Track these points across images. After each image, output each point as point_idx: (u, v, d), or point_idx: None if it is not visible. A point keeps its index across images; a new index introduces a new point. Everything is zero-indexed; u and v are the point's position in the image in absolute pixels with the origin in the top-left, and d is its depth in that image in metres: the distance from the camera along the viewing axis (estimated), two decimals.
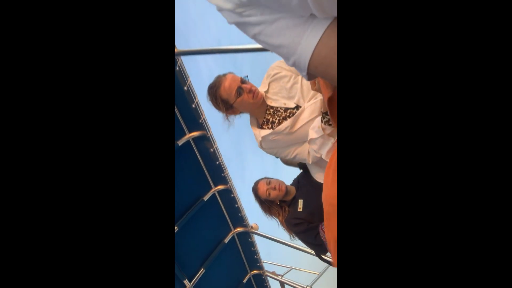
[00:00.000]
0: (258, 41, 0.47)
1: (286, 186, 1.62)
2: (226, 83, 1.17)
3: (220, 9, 0.46)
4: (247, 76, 1.20)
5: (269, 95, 1.25)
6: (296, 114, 1.18)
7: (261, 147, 1.28)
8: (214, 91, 1.21)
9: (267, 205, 1.62)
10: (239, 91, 1.16)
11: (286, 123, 1.18)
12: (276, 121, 1.24)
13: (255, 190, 1.64)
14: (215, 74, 1.24)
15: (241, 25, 0.46)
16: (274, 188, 1.57)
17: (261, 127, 1.27)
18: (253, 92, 1.16)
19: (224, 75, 1.21)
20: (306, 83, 1.19)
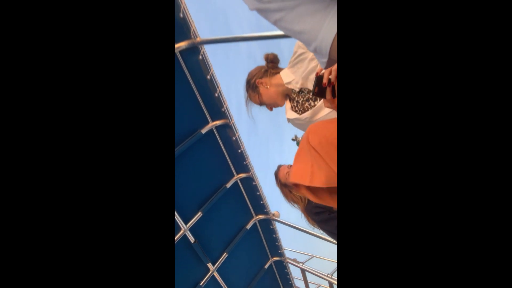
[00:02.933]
0: (279, 27, 0.47)
1: None
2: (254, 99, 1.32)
3: None
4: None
5: (294, 76, 1.26)
6: (316, 106, 1.19)
7: (288, 122, 1.36)
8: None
9: (288, 190, 1.63)
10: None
11: (306, 114, 1.20)
12: (300, 101, 1.26)
13: (276, 173, 1.66)
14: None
15: (262, 12, 0.46)
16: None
17: (290, 101, 1.32)
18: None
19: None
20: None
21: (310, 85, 1.22)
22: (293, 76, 1.24)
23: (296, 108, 1.28)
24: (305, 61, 1.18)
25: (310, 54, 1.17)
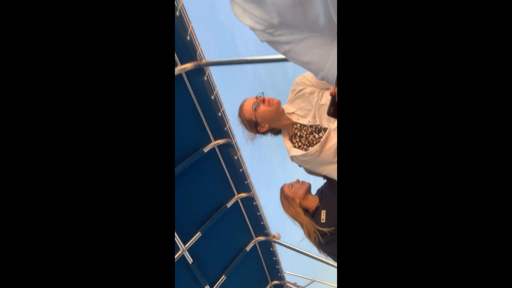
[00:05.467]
0: (289, 58, 0.49)
1: (309, 190, 1.61)
2: (245, 105, 1.33)
3: (252, 29, 0.49)
4: (263, 93, 1.32)
5: (295, 111, 1.29)
6: (323, 139, 1.22)
7: (292, 160, 1.36)
8: (240, 116, 1.37)
9: (287, 202, 1.60)
10: (255, 105, 1.29)
11: (315, 148, 1.23)
12: (304, 135, 1.29)
13: (282, 187, 1.66)
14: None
15: (272, 43, 0.48)
16: (298, 182, 1.61)
17: (291, 140, 1.34)
18: (267, 101, 1.28)
19: (244, 100, 1.35)
20: None
21: (320, 122, 1.24)
22: (293, 108, 1.28)
23: (300, 143, 1.30)
24: (304, 96, 1.24)
25: (308, 90, 1.22)
